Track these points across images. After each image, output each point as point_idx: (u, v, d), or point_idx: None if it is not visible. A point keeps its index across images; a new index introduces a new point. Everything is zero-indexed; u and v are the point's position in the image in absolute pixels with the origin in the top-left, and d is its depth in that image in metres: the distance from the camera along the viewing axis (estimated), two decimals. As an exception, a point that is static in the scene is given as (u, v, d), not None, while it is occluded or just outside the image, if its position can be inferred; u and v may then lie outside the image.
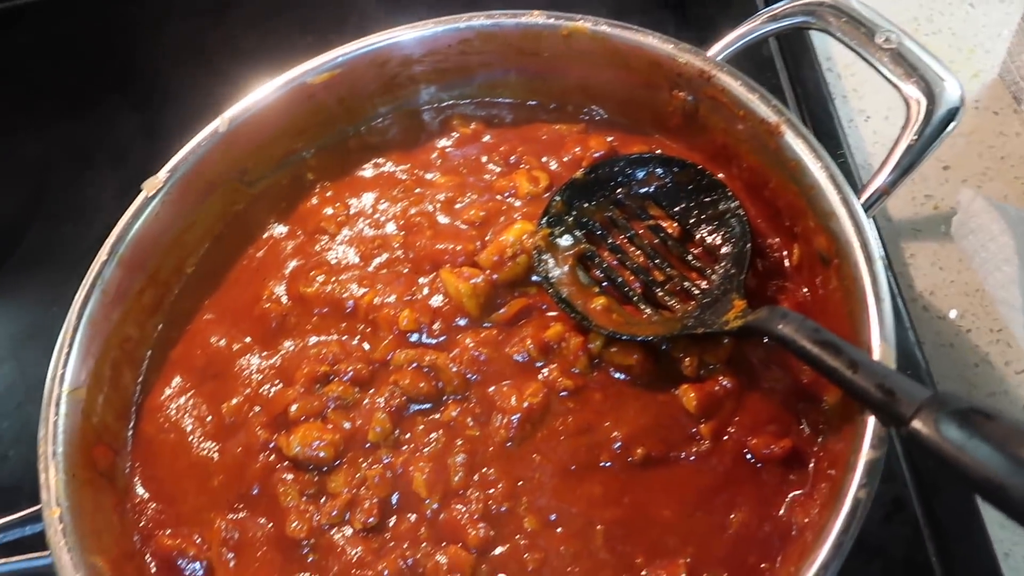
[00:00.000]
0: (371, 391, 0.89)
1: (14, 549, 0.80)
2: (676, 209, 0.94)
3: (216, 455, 0.89)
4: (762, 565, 0.76)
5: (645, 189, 0.96)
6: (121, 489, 0.87)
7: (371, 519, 0.81)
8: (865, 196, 0.85)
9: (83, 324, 0.89)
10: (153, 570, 0.83)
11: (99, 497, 0.84)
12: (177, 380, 0.95)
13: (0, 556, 0.79)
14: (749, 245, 0.88)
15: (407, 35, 1.05)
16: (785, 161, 0.86)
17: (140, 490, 0.88)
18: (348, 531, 0.82)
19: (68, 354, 0.87)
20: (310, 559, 0.82)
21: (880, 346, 0.74)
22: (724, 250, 0.90)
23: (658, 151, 1.00)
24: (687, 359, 0.85)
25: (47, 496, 0.78)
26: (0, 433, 1.10)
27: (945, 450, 0.61)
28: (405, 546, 0.80)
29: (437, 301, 0.93)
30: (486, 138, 1.07)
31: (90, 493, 0.83)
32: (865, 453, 0.70)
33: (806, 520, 0.77)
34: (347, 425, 0.87)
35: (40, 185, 1.35)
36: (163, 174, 0.97)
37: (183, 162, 0.98)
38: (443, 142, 1.08)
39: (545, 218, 0.94)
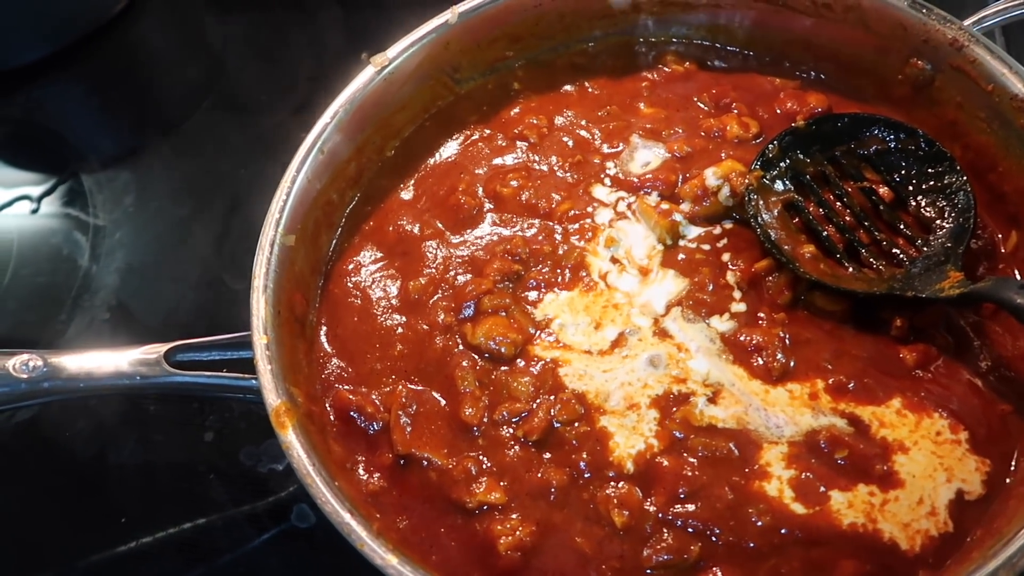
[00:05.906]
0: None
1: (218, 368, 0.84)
2: (894, 175, 0.93)
3: (400, 328, 0.91)
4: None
5: (864, 151, 0.94)
6: (309, 339, 0.91)
7: (535, 436, 0.82)
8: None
9: (300, 178, 0.92)
10: (331, 418, 0.86)
11: (294, 340, 0.87)
12: (367, 252, 0.98)
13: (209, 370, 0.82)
14: (973, 220, 0.86)
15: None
16: (1030, 141, 0.84)
17: (325, 344, 0.91)
18: (520, 433, 0.83)
19: (286, 202, 0.90)
20: (480, 442, 0.84)
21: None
22: (940, 222, 0.89)
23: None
24: (897, 321, 0.84)
25: (257, 323, 0.81)
26: (181, 276, 1.14)
27: None
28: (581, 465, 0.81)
29: (631, 225, 0.95)
30: (698, 79, 1.07)
31: (288, 333, 0.86)
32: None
33: None
34: (532, 330, 0.88)
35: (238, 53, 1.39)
36: (391, 52, 0.99)
37: (410, 46, 1.00)
38: (653, 76, 1.08)
39: (759, 161, 0.94)
